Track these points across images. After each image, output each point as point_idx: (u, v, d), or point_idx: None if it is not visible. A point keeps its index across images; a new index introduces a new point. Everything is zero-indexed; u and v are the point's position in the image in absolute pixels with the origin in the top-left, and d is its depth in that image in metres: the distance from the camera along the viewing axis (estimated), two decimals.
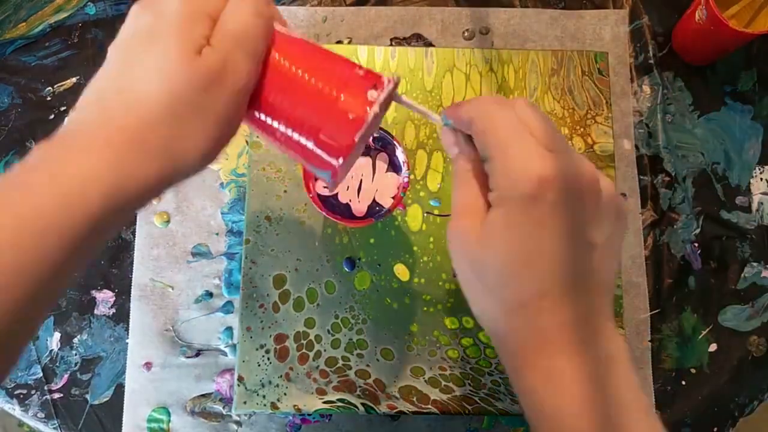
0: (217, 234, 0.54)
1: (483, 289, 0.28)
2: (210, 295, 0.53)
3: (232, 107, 0.27)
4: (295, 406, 0.49)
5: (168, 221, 0.54)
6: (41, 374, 0.52)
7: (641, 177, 0.55)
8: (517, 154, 0.26)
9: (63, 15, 0.59)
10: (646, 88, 0.58)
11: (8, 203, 0.23)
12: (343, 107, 0.28)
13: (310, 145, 0.29)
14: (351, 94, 0.28)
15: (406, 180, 0.45)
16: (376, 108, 0.28)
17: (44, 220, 0.23)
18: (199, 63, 0.26)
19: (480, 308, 0.29)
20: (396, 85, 0.30)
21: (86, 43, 0.58)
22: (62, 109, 0.57)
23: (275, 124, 0.30)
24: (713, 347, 0.53)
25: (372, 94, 0.28)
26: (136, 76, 0.26)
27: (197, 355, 0.52)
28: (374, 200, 0.48)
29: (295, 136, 0.29)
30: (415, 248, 0.51)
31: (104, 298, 0.54)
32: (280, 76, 0.29)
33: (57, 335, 0.53)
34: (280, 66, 0.29)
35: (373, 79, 0.29)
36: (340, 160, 0.29)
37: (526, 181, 0.26)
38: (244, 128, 0.55)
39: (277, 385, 0.49)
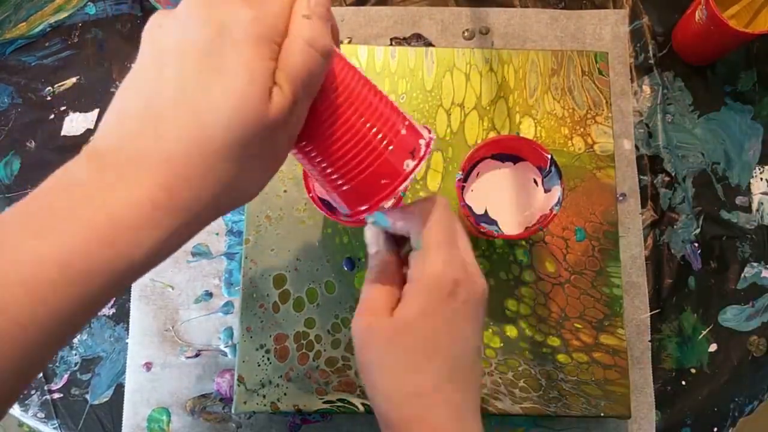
0: (217, 234, 0.54)
1: (384, 379, 0.31)
2: (210, 295, 0.53)
3: (288, 147, 0.27)
4: (295, 406, 0.48)
5: None
6: (41, 374, 0.52)
7: (641, 177, 0.55)
8: (446, 256, 0.30)
9: (63, 15, 0.59)
10: (646, 88, 0.58)
11: (50, 237, 0.21)
12: (378, 170, 0.28)
13: (337, 189, 0.29)
14: (390, 158, 0.28)
15: None
16: (407, 183, 0.29)
17: (87, 262, 0.21)
18: (271, 110, 0.24)
19: (380, 395, 0.31)
20: (430, 149, 0.30)
21: (86, 43, 0.58)
22: (62, 108, 0.57)
23: (311, 153, 0.29)
24: (713, 347, 0.53)
25: (408, 164, 0.29)
26: (199, 104, 0.23)
27: (197, 355, 0.52)
28: None
29: (327, 171, 0.29)
30: None
31: None
32: (332, 119, 0.27)
33: None
34: (334, 109, 0.27)
35: (412, 141, 0.29)
36: (361, 214, 0.30)
37: (448, 279, 0.30)
38: None
39: (277, 385, 0.49)
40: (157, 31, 0.25)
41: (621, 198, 0.55)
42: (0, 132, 0.57)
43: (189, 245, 0.54)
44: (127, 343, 0.53)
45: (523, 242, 0.51)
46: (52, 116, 0.57)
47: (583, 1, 0.59)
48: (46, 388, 0.52)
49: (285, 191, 0.52)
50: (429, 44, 0.58)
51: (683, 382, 0.53)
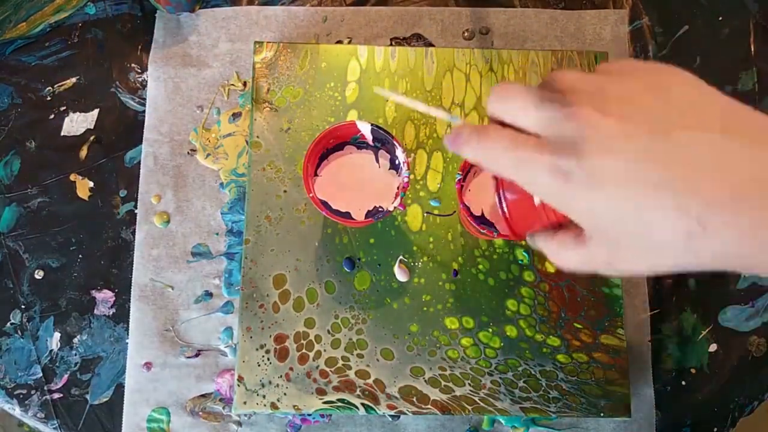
0: (217, 234, 0.54)
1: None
2: (210, 295, 0.53)
3: None
4: (295, 406, 0.49)
5: (168, 221, 0.54)
6: (41, 374, 0.52)
7: None
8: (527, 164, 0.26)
9: (63, 15, 0.59)
10: None
11: None
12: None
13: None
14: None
15: (406, 180, 0.45)
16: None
17: None
18: None
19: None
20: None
21: (86, 43, 0.58)
22: (62, 109, 0.57)
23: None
24: (713, 347, 0.53)
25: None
26: None
27: (197, 355, 0.52)
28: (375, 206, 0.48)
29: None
30: (415, 248, 0.51)
31: (104, 298, 0.54)
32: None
33: (57, 335, 0.53)
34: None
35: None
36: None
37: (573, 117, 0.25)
38: (244, 128, 0.55)
39: (277, 385, 0.49)
40: None
41: None
42: (0, 132, 0.57)
43: (189, 245, 0.54)
44: (127, 343, 0.52)
45: (523, 242, 0.51)
46: (52, 116, 0.57)
47: (583, 1, 0.59)
48: (46, 388, 0.52)
49: (285, 191, 0.52)
50: (429, 44, 0.58)
51: (683, 382, 0.53)
